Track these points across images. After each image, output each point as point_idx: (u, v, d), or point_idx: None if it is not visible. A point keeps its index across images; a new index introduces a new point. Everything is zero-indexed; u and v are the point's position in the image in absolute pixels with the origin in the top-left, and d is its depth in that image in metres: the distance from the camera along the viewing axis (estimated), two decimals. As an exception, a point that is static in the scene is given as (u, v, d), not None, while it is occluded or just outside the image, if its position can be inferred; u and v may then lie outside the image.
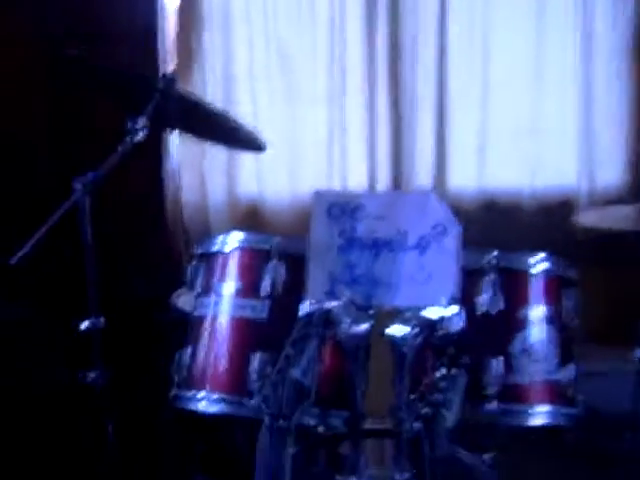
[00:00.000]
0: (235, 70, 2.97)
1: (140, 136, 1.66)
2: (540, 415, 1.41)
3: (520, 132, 2.99)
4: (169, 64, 2.93)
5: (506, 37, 2.98)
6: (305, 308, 1.32)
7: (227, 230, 2.43)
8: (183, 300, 1.92)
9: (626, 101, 3.00)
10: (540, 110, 2.99)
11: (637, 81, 3.00)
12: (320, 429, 1.42)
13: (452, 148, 2.98)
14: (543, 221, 2.90)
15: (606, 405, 2.46)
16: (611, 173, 2.99)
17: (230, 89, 2.95)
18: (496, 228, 2.82)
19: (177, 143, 2.94)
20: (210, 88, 2.94)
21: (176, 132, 2.47)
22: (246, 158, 2.93)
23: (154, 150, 2.87)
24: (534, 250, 1.53)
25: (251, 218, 2.97)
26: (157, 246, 2.85)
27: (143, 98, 1.69)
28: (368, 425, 1.43)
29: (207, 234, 2.92)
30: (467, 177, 3.00)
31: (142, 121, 1.65)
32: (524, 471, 2.01)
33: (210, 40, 2.94)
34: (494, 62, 2.98)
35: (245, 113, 2.82)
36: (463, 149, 3.00)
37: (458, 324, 1.31)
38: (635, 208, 2.22)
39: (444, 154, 2.98)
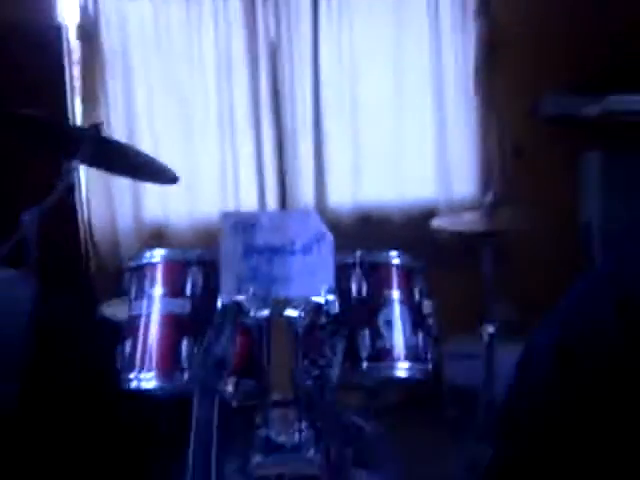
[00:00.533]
0: (136, 109, 3.27)
1: (74, 176, 2.03)
2: (401, 370, 1.85)
3: (387, 153, 3.38)
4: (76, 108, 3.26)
5: (370, 69, 3.37)
6: (220, 302, 1.73)
7: (135, 249, 2.78)
8: (112, 309, 2.29)
9: (475, 122, 3.42)
10: (402, 133, 3.38)
11: (483, 105, 3.41)
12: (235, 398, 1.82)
13: (330, 170, 3.38)
14: (408, 229, 3.28)
15: (465, 381, 2.91)
16: (464, 185, 3.41)
17: (132, 126, 3.24)
18: (370, 237, 3.20)
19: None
20: (114, 126, 3.21)
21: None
22: (150, 187, 3.19)
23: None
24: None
25: (156, 238, 3.27)
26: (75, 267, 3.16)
27: (75, 144, 2.04)
28: (274, 397, 1.85)
29: (117, 254, 3.28)
30: (344, 195, 3.38)
31: (76, 163, 2.01)
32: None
33: (112, 84, 3.25)
34: (361, 95, 3.37)
35: (147, 147, 3.03)
36: (339, 171, 3.38)
37: (335, 306, 1.73)
38: (480, 213, 2.68)
39: (323, 176, 3.36)
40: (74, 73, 3.25)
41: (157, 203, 3.33)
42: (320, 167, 3.38)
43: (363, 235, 3.25)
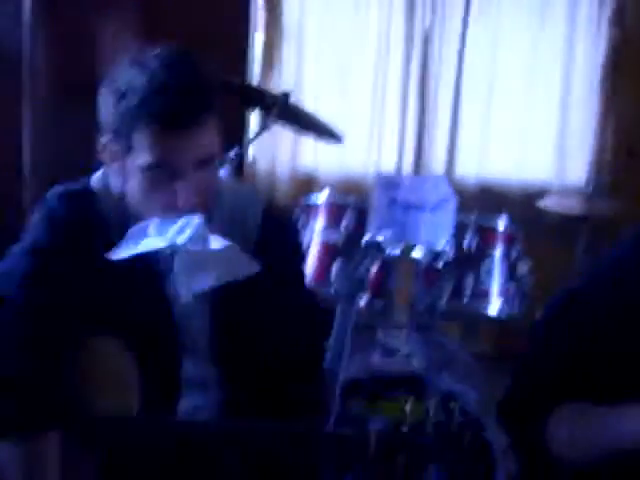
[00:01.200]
0: (304, 77, 3.84)
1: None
2: (492, 308, 2.43)
3: (512, 135, 3.87)
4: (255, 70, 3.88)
5: (508, 61, 3.84)
6: (366, 239, 2.34)
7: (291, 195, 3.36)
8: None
9: (595, 117, 3.84)
10: (529, 119, 3.85)
11: (604, 103, 3.82)
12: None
13: (461, 145, 3.89)
14: (521, 204, 3.73)
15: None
16: (577, 173, 3.84)
17: (299, 91, 3.75)
18: (488, 206, 3.53)
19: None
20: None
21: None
22: (306, 142, 3.79)
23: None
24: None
25: (308, 186, 3.82)
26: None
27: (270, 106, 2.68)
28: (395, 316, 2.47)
29: (274, 198, 3.89)
30: (470, 167, 3.90)
31: (271, 120, 2.65)
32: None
33: (287, 53, 3.83)
34: (497, 83, 3.86)
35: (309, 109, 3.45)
36: (469, 146, 3.89)
37: (449, 255, 2.32)
38: (583, 200, 3.18)
39: (454, 149, 3.89)
40: (256, 40, 3.86)
41: (311, 156, 3.93)
42: (453, 141, 3.89)
43: (482, 204, 3.73)
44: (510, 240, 2.47)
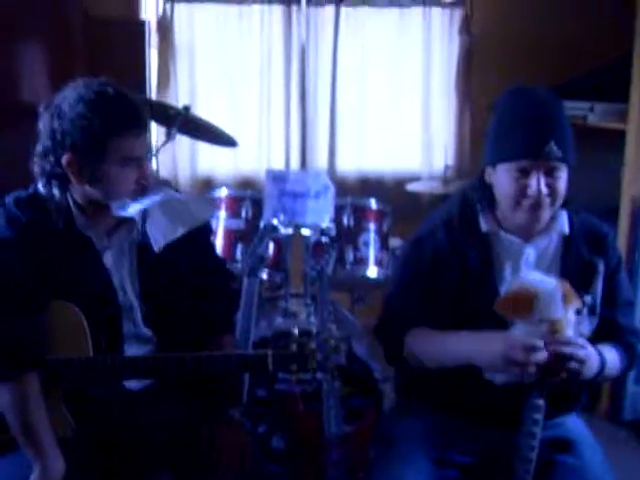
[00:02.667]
0: (197, 91, 4.30)
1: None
2: (371, 271, 2.99)
3: (384, 133, 4.44)
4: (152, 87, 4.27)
5: (376, 68, 4.38)
6: (262, 223, 2.84)
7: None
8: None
9: (453, 112, 4.44)
10: (397, 118, 4.43)
11: (460, 99, 4.41)
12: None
13: (340, 144, 4.42)
14: (395, 189, 4.32)
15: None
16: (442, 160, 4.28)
17: (193, 104, 4.14)
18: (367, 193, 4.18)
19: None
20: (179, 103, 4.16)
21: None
22: (203, 147, 4.25)
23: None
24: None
25: (207, 186, 4.30)
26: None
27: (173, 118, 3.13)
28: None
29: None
30: (349, 162, 4.43)
31: (174, 130, 3.10)
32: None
33: (181, 70, 4.28)
34: (368, 88, 4.39)
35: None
36: (347, 144, 4.43)
37: (332, 230, 2.83)
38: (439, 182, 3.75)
39: (334, 147, 4.42)
40: (152, 60, 4.23)
41: (208, 161, 4.40)
42: (333, 140, 4.42)
43: (362, 192, 4.26)
44: (381, 217, 3.02)
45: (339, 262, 2.92)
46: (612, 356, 2.02)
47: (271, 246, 2.85)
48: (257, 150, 4.41)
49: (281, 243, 2.91)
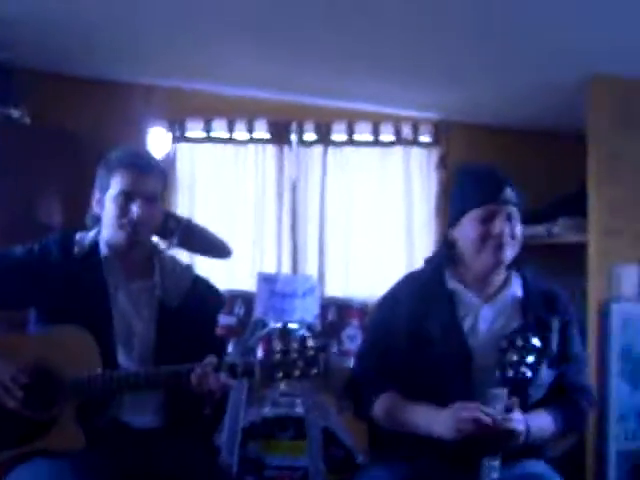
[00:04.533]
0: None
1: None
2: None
3: (369, 262, 4.74)
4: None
5: (360, 204, 4.73)
6: (254, 318, 3.08)
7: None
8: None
9: (434, 239, 4.68)
10: (381, 249, 4.72)
11: (441, 226, 4.61)
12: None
13: (327, 272, 4.73)
14: None
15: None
16: None
17: None
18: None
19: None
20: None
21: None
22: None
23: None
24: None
25: None
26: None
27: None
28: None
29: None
30: (336, 287, 4.69)
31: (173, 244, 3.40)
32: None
33: (182, 201, 4.63)
34: (353, 222, 4.74)
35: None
36: (334, 272, 4.73)
37: (317, 326, 3.08)
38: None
39: (323, 275, 4.70)
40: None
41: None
42: (321, 269, 4.72)
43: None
44: (364, 314, 3.28)
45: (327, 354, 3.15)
46: (540, 422, 2.22)
47: (261, 340, 3.09)
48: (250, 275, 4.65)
49: (271, 337, 3.15)
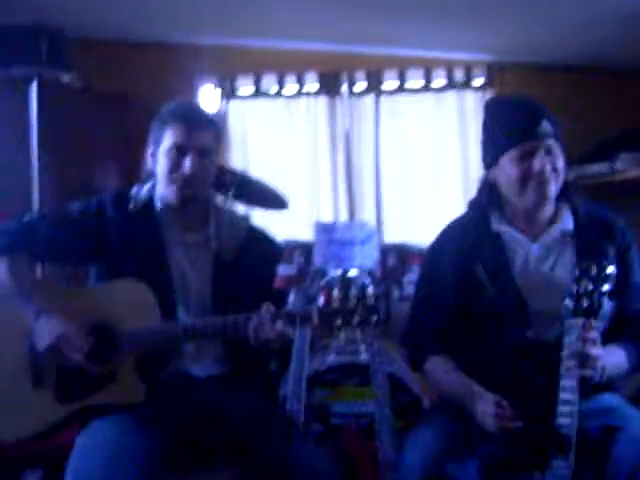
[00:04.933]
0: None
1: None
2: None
3: (423, 207, 4.67)
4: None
5: (415, 151, 4.70)
6: (313, 267, 3.08)
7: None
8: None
9: None
10: (436, 196, 4.66)
11: None
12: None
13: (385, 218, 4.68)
14: None
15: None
16: None
17: None
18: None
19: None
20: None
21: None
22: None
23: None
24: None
25: None
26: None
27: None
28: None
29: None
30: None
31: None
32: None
33: (234, 157, 4.61)
34: (410, 167, 4.72)
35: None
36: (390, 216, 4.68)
37: (377, 271, 3.07)
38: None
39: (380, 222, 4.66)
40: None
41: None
42: (379, 216, 4.66)
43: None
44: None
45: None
46: (615, 358, 2.15)
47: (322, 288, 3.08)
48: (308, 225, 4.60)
49: (331, 286, 3.14)
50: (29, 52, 3.76)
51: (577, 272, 2.04)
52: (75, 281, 2.50)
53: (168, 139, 2.32)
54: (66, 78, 3.87)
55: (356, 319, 2.12)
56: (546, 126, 2.18)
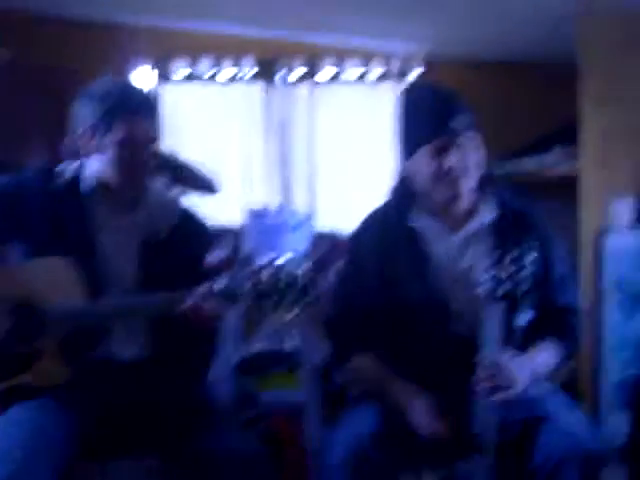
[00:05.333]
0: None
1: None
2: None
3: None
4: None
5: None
6: (241, 255, 3.05)
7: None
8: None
9: None
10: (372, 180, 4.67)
11: None
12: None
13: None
14: None
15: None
16: None
17: None
18: None
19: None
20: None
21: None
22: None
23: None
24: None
25: None
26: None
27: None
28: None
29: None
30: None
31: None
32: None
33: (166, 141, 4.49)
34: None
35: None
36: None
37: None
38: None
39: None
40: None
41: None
42: (312, 206, 4.54)
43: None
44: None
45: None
46: (542, 358, 2.16)
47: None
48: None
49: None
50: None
51: (497, 256, 2.01)
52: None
53: (119, 132, 2.24)
54: (-5, 52, 3.78)
55: (288, 299, 2.07)
56: (460, 120, 2.15)
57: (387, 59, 4.69)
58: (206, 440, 2.11)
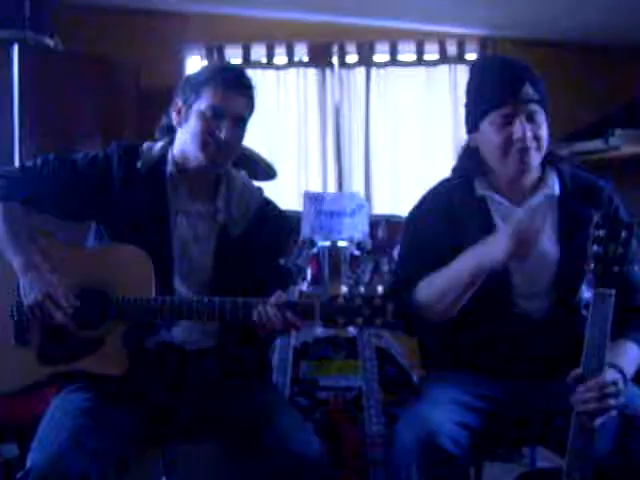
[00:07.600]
0: None
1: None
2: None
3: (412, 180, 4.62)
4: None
5: (405, 125, 4.64)
6: (301, 237, 3.01)
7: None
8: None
9: None
10: (427, 169, 4.61)
11: None
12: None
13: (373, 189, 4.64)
14: None
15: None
16: None
17: None
18: None
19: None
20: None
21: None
22: None
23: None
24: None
25: None
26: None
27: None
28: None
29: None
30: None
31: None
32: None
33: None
34: (399, 142, 4.66)
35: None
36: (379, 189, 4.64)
37: (368, 244, 3.00)
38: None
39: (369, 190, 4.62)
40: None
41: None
42: (368, 192, 4.62)
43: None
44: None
45: (375, 273, 3.07)
46: (630, 358, 2.03)
47: (311, 258, 3.01)
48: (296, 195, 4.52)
49: (319, 256, 3.07)
50: (12, 16, 3.76)
51: (598, 232, 1.87)
52: (73, 237, 2.34)
53: (206, 99, 2.16)
54: (49, 42, 3.82)
55: (359, 320, 1.98)
56: (529, 90, 2.08)
57: (443, 41, 4.62)
58: (266, 427, 2.07)
